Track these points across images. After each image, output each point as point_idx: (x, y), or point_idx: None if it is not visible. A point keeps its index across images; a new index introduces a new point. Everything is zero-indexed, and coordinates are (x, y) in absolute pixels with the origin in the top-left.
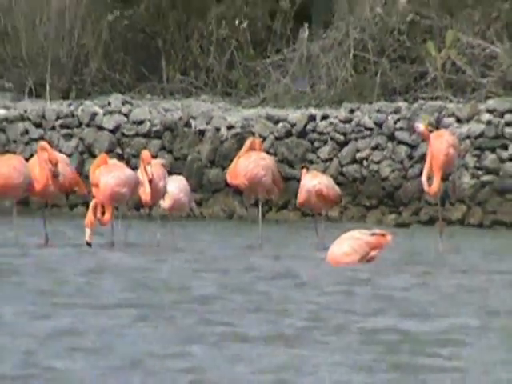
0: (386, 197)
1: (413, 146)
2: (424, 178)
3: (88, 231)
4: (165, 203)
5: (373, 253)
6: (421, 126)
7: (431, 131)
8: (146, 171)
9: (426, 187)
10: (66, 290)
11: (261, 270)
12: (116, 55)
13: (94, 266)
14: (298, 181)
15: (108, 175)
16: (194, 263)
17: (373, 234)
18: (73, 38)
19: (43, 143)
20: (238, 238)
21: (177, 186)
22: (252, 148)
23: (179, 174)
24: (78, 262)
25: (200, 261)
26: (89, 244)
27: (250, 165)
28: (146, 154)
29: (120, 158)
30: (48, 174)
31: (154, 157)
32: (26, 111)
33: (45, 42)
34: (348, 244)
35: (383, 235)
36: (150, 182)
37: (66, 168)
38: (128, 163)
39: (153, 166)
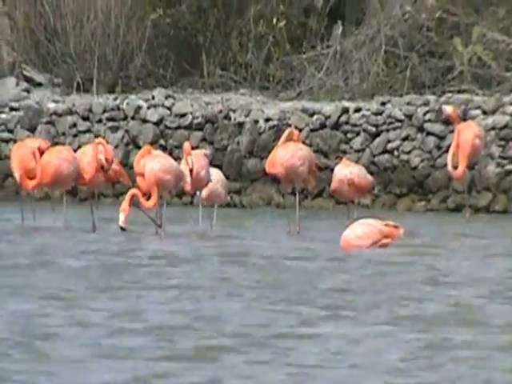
0: (416, 185)
1: (441, 137)
2: (449, 164)
3: (122, 217)
4: (202, 193)
5: (384, 241)
6: (448, 108)
7: (459, 122)
8: (186, 161)
9: (451, 171)
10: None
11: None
12: (159, 51)
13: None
14: (332, 170)
15: (153, 161)
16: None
17: (386, 225)
18: (118, 35)
19: (101, 140)
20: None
21: (213, 178)
22: (290, 139)
23: (220, 164)
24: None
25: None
26: (123, 229)
27: (288, 155)
28: (186, 145)
29: (163, 149)
30: (97, 166)
31: (194, 148)
32: (74, 105)
33: (92, 39)
34: (361, 229)
35: (396, 227)
36: (191, 171)
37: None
38: (171, 154)
39: (195, 156)
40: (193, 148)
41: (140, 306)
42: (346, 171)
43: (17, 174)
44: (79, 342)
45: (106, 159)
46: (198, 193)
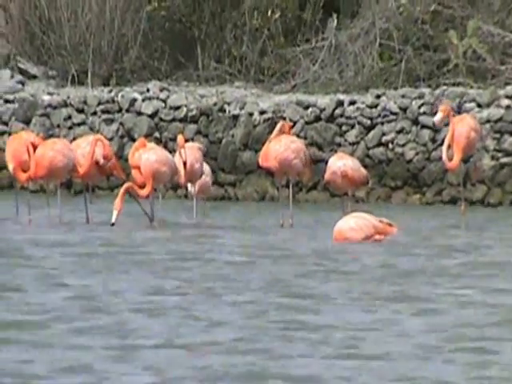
0: (411, 178)
1: (436, 130)
2: (444, 156)
3: (115, 214)
4: (195, 187)
5: (377, 236)
6: (437, 117)
7: (453, 115)
8: (180, 154)
9: (446, 162)
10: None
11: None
12: (154, 44)
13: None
14: (327, 163)
15: (149, 153)
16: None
17: (380, 221)
18: (113, 27)
19: (100, 136)
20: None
21: (183, 174)
22: (282, 131)
23: (214, 157)
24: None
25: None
26: (113, 224)
27: (281, 148)
28: (180, 138)
29: (158, 141)
30: (93, 161)
31: (188, 140)
32: (68, 97)
33: (87, 31)
34: (355, 221)
35: (390, 225)
36: (185, 164)
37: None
38: (166, 147)
39: (190, 149)
40: (187, 141)
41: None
42: (340, 163)
43: (10, 167)
44: None
45: (105, 156)
46: (189, 186)
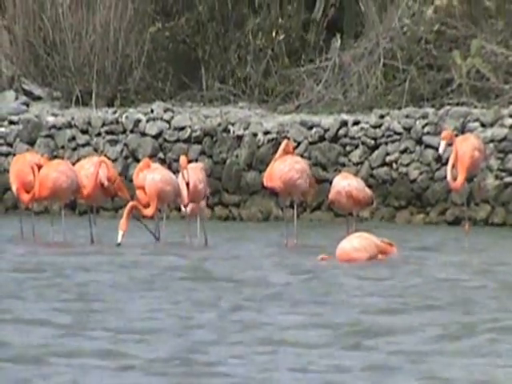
0: (415, 198)
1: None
2: (449, 176)
3: (121, 234)
4: (187, 208)
5: (380, 256)
6: (441, 146)
7: (457, 135)
8: (183, 175)
9: (450, 182)
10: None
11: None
12: (158, 65)
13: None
14: (331, 183)
15: (154, 173)
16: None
17: (382, 241)
18: (117, 48)
19: (105, 159)
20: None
21: (186, 194)
22: (286, 151)
23: (219, 177)
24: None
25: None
26: (119, 245)
27: (285, 168)
28: (182, 159)
29: (162, 162)
30: (97, 183)
31: (191, 161)
32: (73, 118)
33: (91, 52)
34: (358, 241)
35: (390, 245)
36: (187, 185)
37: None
38: (170, 167)
39: (193, 170)
40: (191, 161)
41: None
42: (345, 183)
43: (14, 187)
44: None
45: (109, 178)
46: (182, 207)
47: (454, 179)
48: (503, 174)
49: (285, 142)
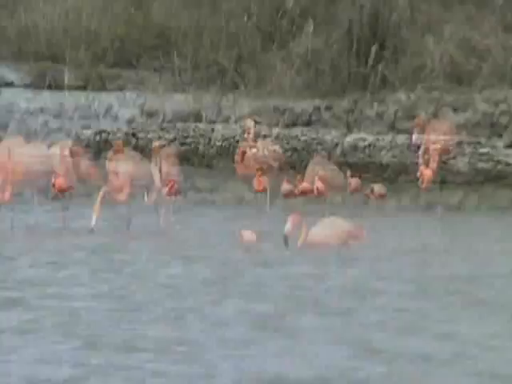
0: (388, 183)
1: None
2: (420, 160)
3: (94, 218)
4: (150, 196)
5: (350, 241)
6: (414, 138)
7: (429, 120)
8: (155, 160)
9: (422, 168)
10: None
11: None
12: (131, 50)
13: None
14: (305, 168)
15: (126, 158)
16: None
17: (352, 226)
18: (90, 33)
19: (73, 148)
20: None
21: (159, 179)
22: (257, 134)
23: (192, 163)
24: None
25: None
26: (92, 229)
27: (258, 152)
28: (155, 144)
29: (134, 147)
30: (68, 167)
31: (164, 146)
32: (45, 103)
33: (63, 37)
34: (329, 226)
35: (360, 229)
36: (160, 170)
37: (85, 160)
38: (142, 153)
39: (165, 155)
40: (163, 146)
41: None
42: (318, 168)
43: None
44: None
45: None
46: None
47: (426, 165)
48: (476, 160)
49: (251, 123)
